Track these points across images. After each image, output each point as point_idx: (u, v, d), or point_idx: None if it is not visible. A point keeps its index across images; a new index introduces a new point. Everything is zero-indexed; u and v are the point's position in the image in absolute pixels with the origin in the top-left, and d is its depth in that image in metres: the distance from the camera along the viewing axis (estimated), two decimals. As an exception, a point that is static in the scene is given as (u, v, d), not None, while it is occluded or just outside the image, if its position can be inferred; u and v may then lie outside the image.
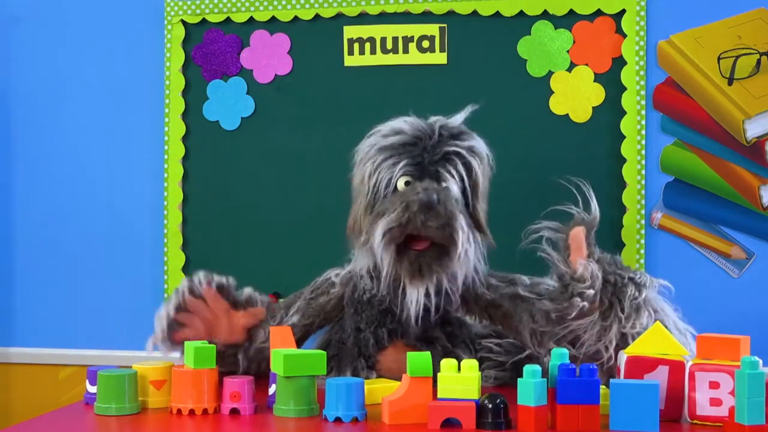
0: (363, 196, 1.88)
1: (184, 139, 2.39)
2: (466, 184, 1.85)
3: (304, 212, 2.34)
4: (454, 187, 1.84)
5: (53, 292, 2.47)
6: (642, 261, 2.19)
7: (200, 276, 1.95)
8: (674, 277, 2.19)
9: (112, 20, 2.45)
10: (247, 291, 1.98)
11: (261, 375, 1.86)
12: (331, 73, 2.34)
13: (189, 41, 2.40)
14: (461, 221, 1.79)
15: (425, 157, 1.84)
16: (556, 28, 2.25)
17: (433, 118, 1.91)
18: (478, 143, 1.89)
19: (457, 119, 1.91)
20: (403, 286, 1.84)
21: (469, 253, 1.81)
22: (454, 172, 1.84)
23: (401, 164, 1.83)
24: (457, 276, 1.84)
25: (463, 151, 1.85)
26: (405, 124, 1.88)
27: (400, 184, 1.84)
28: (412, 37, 2.30)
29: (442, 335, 1.91)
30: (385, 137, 1.87)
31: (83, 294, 2.45)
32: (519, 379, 1.51)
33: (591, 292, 1.73)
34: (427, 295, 1.83)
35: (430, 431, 1.52)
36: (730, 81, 2.17)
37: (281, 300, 2.29)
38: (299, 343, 2.00)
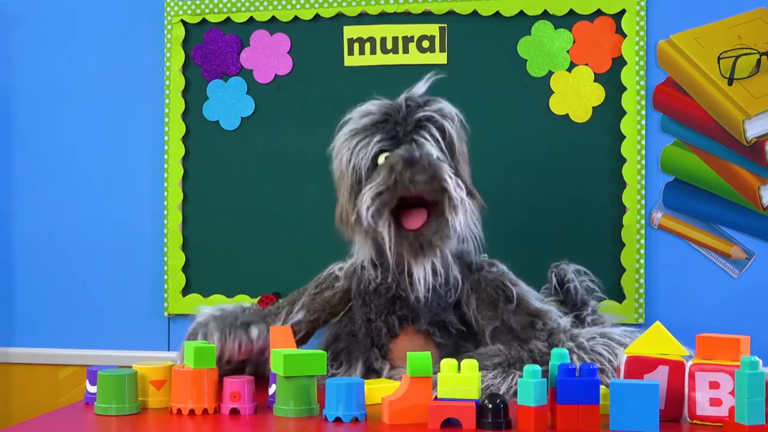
0: (345, 184, 1.89)
1: (184, 139, 2.39)
2: (443, 146, 1.87)
3: (304, 212, 2.34)
4: (433, 151, 1.84)
5: (53, 292, 2.47)
6: (642, 261, 2.19)
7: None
8: (674, 277, 2.21)
9: (112, 20, 2.45)
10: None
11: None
12: (331, 73, 2.34)
13: (189, 41, 2.40)
14: (447, 170, 1.80)
15: (398, 129, 1.87)
16: (556, 28, 2.25)
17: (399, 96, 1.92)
18: (446, 105, 1.91)
19: (420, 88, 1.93)
20: (408, 267, 1.84)
21: (462, 196, 1.81)
22: (428, 136, 1.85)
23: (375, 139, 1.86)
24: (457, 224, 1.81)
25: (434, 114, 1.87)
26: (372, 105, 1.91)
27: (381, 161, 1.86)
28: (412, 37, 2.30)
29: (454, 319, 1.91)
30: (355, 122, 1.90)
31: (83, 294, 2.45)
32: (519, 379, 1.51)
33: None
34: (435, 273, 1.84)
35: (430, 431, 1.52)
36: (730, 81, 2.17)
37: (280, 302, 2.29)
38: (305, 339, 2.00)
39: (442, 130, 1.86)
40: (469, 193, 1.87)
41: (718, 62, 2.17)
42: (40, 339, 2.47)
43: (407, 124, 1.86)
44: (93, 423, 1.62)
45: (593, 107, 2.23)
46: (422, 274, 1.83)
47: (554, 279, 2.03)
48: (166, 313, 2.39)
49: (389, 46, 2.31)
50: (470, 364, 1.55)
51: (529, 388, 1.49)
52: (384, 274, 1.89)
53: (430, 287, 1.84)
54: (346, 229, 1.91)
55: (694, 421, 1.55)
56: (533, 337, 1.83)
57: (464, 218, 1.82)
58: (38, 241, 2.48)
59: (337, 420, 1.59)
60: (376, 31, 2.32)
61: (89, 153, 2.46)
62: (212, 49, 2.38)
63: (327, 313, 2.00)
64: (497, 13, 2.26)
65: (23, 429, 1.58)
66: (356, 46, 2.32)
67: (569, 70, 2.24)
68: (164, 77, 2.40)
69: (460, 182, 1.82)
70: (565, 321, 1.89)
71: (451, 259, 1.87)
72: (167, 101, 2.39)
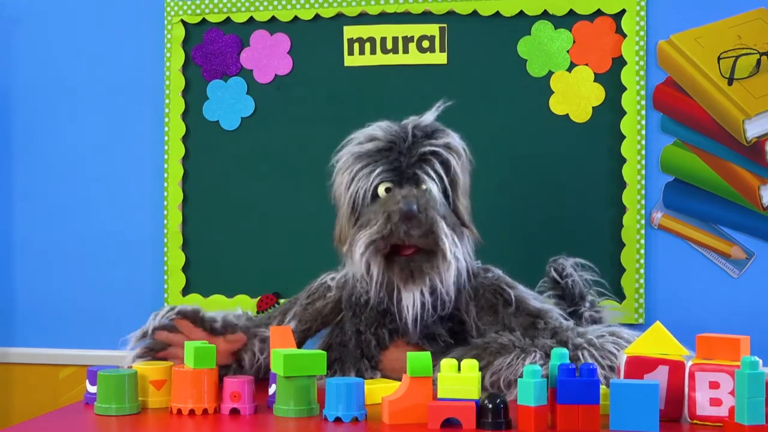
0: (343, 206, 1.89)
1: (184, 139, 2.39)
2: (446, 183, 1.85)
3: (304, 212, 2.34)
4: (434, 188, 1.83)
5: (53, 292, 2.47)
6: (642, 261, 2.19)
7: (164, 311, 1.93)
8: (674, 277, 2.21)
9: (112, 20, 2.45)
10: (221, 316, 1.95)
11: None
12: (331, 73, 2.34)
13: (189, 41, 2.40)
14: (443, 227, 1.79)
15: (402, 160, 1.84)
16: (556, 28, 2.25)
17: (405, 120, 1.90)
18: (453, 139, 1.88)
19: (429, 117, 1.91)
20: (398, 291, 1.84)
21: (457, 254, 1.81)
22: (432, 172, 1.83)
23: (377, 171, 1.83)
24: (447, 280, 1.82)
25: (440, 149, 1.84)
26: (379, 130, 1.88)
27: (381, 191, 1.84)
28: (412, 37, 2.30)
29: (443, 331, 1.91)
30: (360, 145, 1.88)
31: (83, 294, 2.45)
32: (519, 379, 1.51)
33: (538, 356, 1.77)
34: (422, 295, 1.83)
35: (430, 431, 1.52)
36: (730, 81, 2.17)
37: (280, 302, 2.29)
38: (298, 348, 2.00)
39: (446, 165, 1.84)
40: (465, 226, 1.88)
41: (718, 62, 2.17)
42: (40, 339, 2.47)
43: (411, 156, 1.83)
44: (93, 423, 1.62)
45: (593, 107, 2.23)
46: (410, 301, 1.82)
47: (553, 272, 2.03)
48: (166, 313, 2.39)
49: (389, 46, 2.31)
50: (470, 364, 1.54)
51: (529, 388, 1.49)
52: (374, 292, 1.88)
53: (419, 312, 1.83)
54: (343, 249, 1.90)
55: (694, 421, 1.55)
56: (537, 336, 1.82)
57: (455, 275, 1.82)
58: (38, 241, 2.48)
59: (337, 420, 1.59)
60: (376, 31, 2.32)
61: (89, 153, 2.46)
62: (212, 49, 2.38)
63: (319, 323, 2.00)
64: (497, 13, 2.26)
65: (23, 429, 1.58)
66: (356, 46, 2.32)
67: (569, 70, 2.24)
68: (164, 77, 2.40)
69: (456, 240, 1.81)
70: (568, 321, 1.90)
71: (440, 287, 1.84)
72: (167, 101, 2.39)
